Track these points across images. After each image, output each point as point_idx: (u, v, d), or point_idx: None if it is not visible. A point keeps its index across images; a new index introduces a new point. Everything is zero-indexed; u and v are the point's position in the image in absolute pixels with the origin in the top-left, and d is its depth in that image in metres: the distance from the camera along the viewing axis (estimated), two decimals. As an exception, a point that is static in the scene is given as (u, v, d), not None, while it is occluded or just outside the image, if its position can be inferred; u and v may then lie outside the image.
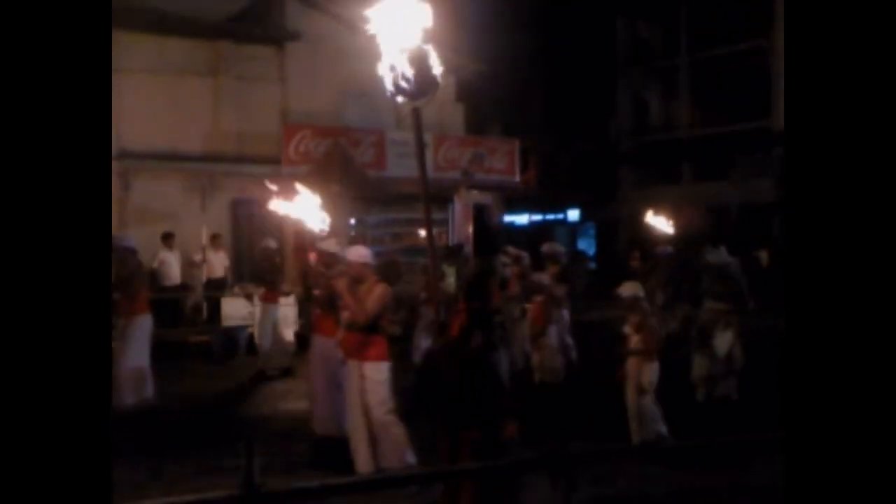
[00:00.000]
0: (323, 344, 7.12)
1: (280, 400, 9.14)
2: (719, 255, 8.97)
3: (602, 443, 6.60)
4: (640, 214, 12.96)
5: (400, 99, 3.61)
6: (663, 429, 6.70)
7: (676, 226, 12.54)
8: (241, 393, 9.63)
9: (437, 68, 3.56)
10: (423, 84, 3.56)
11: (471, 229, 19.22)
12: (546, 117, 31.32)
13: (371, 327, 5.96)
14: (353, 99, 16.96)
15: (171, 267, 14.00)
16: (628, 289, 7.03)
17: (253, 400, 9.26)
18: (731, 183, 25.33)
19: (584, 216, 32.26)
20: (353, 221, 17.42)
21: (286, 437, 7.28)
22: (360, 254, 6.23)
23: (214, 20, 16.19)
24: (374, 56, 3.63)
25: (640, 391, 6.70)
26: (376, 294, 6.00)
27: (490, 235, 19.68)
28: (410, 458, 5.92)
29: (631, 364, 6.81)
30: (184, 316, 14.29)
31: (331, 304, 6.80)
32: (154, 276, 14.04)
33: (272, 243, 11.33)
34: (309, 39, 16.54)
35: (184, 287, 14.40)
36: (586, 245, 31.90)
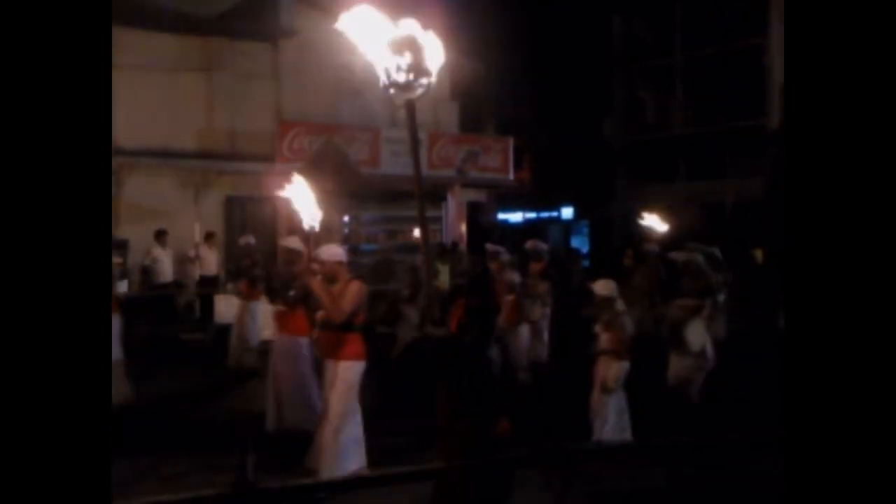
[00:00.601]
0: (288, 342, 7.12)
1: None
2: (687, 252, 8.95)
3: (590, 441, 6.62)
4: (634, 212, 12.96)
5: (392, 91, 3.57)
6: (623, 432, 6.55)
7: (671, 224, 12.54)
8: (234, 390, 9.60)
9: (432, 58, 3.51)
10: (417, 75, 3.51)
11: (464, 227, 19.25)
12: (540, 115, 31.33)
13: (346, 326, 5.90)
14: (348, 96, 16.94)
15: (164, 264, 13.97)
16: (602, 287, 6.85)
17: (246, 397, 9.22)
18: (726, 181, 25.41)
19: (577, 214, 32.28)
20: (346, 219, 17.42)
21: (280, 434, 7.26)
22: (333, 252, 6.14)
23: (208, 16, 16.14)
24: (368, 52, 3.60)
25: (605, 390, 6.53)
26: (351, 292, 5.93)
27: (484, 233, 19.68)
28: (351, 466, 5.79)
29: (600, 363, 6.66)
30: (177, 313, 14.26)
31: (304, 302, 6.75)
32: (146, 274, 14.03)
33: (251, 240, 11.24)
34: (303, 36, 16.51)
35: (177, 285, 14.36)
36: (580, 243, 31.91)
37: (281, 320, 7.35)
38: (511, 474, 4.35)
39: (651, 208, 12.64)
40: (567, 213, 32.48)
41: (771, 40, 24.83)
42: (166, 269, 14.01)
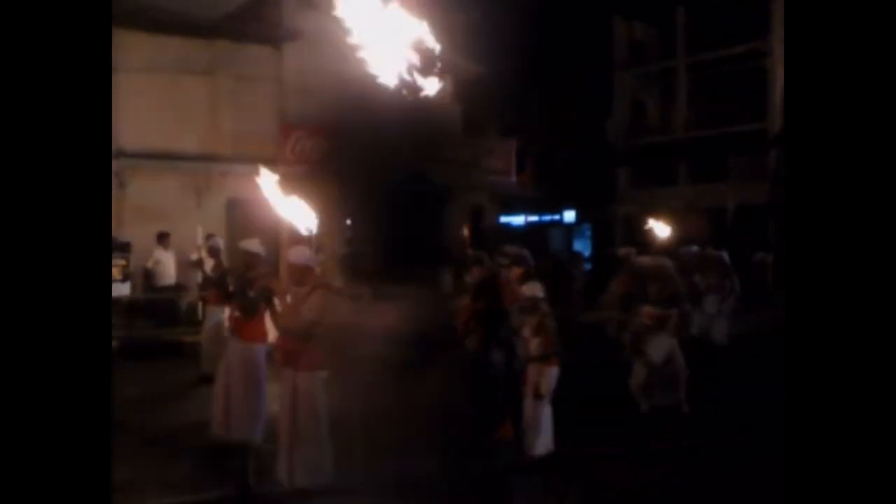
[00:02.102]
0: (242, 349, 6.73)
1: (274, 402, 9.07)
2: (657, 257, 8.72)
3: (592, 446, 6.63)
4: (637, 216, 12.92)
5: (405, 92, 3.54)
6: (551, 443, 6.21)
7: (673, 228, 12.52)
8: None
9: (442, 59, 3.51)
10: (429, 75, 3.51)
11: (467, 230, 19.24)
12: (543, 118, 31.31)
13: (306, 335, 5.50)
14: (351, 99, 16.93)
15: (167, 267, 13.95)
16: (528, 288, 6.53)
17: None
18: (728, 185, 25.40)
19: (580, 217, 32.26)
20: (349, 222, 17.42)
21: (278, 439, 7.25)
22: (301, 255, 5.68)
23: (211, 19, 16.15)
24: (371, 55, 3.59)
25: (537, 397, 6.16)
26: (314, 300, 5.53)
27: (486, 237, 19.65)
28: (323, 478, 5.47)
29: (530, 370, 6.32)
30: (179, 316, 14.25)
31: (269, 306, 6.37)
32: (149, 277, 14.02)
33: (218, 243, 11.08)
34: (306, 39, 16.52)
35: (179, 287, 14.35)
36: (582, 246, 31.89)
37: (236, 325, 6.89)
38: (512, 478, 4.35)
39: (654, 212, 12.63)
40: (569, 216, 32.46)
41: (773, 44, 24.83)
42: (169, 272, 14.00)
